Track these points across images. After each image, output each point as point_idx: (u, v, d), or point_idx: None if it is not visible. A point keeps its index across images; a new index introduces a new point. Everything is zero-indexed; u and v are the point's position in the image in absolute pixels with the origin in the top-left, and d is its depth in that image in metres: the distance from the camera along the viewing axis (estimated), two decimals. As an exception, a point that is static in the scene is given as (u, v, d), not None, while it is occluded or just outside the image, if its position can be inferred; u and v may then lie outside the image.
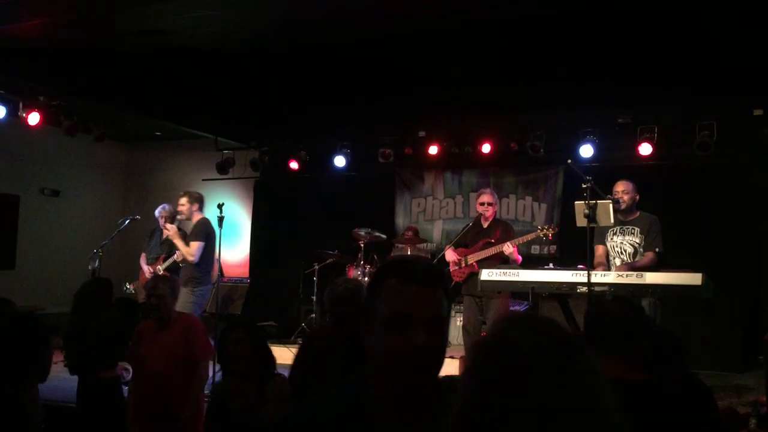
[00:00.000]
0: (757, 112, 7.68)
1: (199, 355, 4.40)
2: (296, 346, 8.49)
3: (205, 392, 4.54)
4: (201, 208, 7.41)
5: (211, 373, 5.04)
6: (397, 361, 1.49)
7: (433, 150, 9.30)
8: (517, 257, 6.88)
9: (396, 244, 8.97)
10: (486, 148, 9.00)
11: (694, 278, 5.26)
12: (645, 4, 7.10)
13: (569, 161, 6.53)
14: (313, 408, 1.60)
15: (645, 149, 8.02)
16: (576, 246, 6.28)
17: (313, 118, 9.57)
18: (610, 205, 5.61)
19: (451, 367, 5.62)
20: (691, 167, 8.29)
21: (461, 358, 7.14)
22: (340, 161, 9.76)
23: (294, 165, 10.05)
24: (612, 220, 5.70)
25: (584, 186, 5.50)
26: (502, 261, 6.87)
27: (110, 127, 9.66)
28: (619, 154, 8.53)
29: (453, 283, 7.31)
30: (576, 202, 5.76)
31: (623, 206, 5.90)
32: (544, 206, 9.27)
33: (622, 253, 6.01)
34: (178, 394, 4.20)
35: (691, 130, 7.84)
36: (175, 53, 8.06)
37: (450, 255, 7.24)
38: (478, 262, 6.90)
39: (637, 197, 6.10)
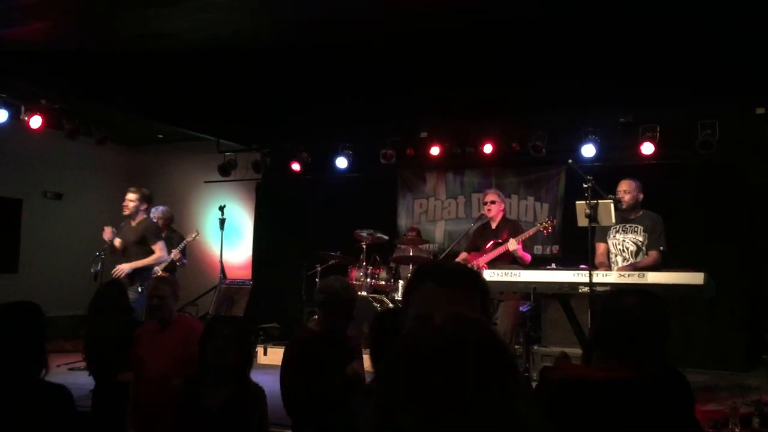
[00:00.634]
0: (760, 110, 7.68)
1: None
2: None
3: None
4: (148, 210, 7.18)
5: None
6: None
7: (434, 150, 9.30)
8: (523, 255, 6.87)
9: (398, 245, 8.97)
10: (488, 148, 9.00)
11: (696, 278, 5.24)
12: (646, 3, 7.10)
13: (570, 161, 6.53)
14: None
15: (647, 149, 8.01)
16: (579, 246, 6.26)
17: (315, 119, 9.58)
18: (611, 205, 5.61)
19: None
20: (693, 167, 8.26)
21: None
22: (341, 162, 9.76)
23: (296, 166, 10.06)
24: (613, 220, 5.70)
25: (585, 186, 5.50)
26: (511, 261, 6.86)
27: (112, 130, 9.69)
28: (621, 154, 8.52)
29: None
30: (577, 202, 5.76)
31: (624, 206, 5.90)
32: (546, 206, 9.26)
33: (624, 251, 6.01)
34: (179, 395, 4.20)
35: (693, 129, 7.83)
36: (176, 56, 8.08)
37: (463, 260, 7.27)
38: (488, 263, 6.91)
39: (641, 196, 6.09)
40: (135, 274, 6.82)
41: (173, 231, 8.42)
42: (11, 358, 2.61)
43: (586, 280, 5.49)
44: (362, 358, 4.21)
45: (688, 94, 7.73)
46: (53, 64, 7.69)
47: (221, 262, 8.66)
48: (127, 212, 7.02)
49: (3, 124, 8.34)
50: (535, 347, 7.68)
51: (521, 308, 7.14)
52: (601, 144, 8.30)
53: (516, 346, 7.27)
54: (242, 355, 3.52)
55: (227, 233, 8.49)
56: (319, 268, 9.06)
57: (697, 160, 7.96)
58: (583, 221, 5.62)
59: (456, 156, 9.30)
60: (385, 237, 8.84)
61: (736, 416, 4.71)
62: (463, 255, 7.32)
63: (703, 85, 7.52)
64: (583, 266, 5.91)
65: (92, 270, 7.44)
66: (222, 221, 8.01)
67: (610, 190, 5.99)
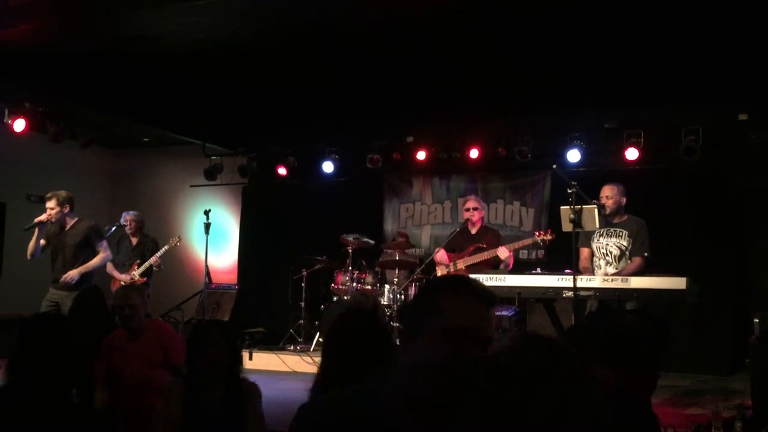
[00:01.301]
0: (742, 116, 7.74)
1: (177, 359, 4.32)
2: (285, 352, 8.53)
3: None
4: (72, 209, 7.06)
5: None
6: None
7: (421, 155, 9.31)
8: (511, 262, 6.96)
9: (384, 250, 8.97)
10: (474, 153, 9.02)
11: (678, 282, 5.28)
12: (631, 9, 7.14)
13: (555, 166, 6.58)
14: (343, 397, 1.63)
15: (631, 154, 8.06)
16: (564, 250, 6.30)
17: (301, 124, 9.57)
18: (596, 210, 5.64)
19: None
20: (677, 172, 8.32)
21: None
22: (328, 167, 9.75)
23: (282, 171, 10.04)
24: (597, 225, 5.74)
25: (569, 191, 5.53)
26: (492, 266, 6.92)
27: (97, 134, 9.63)
28: (606, 159, 8.57)
29: None
30: (561, 207, 5.79)
31: (608, 211, 5.95)
32: (531, 211, 9.29)
33: (607, 254, 6.05)
34: (159, 398, 4.17)
35: (677, 134, 7.88)
36: (162, 59, 8.04)
37: (441, 256, 7.30)
38: (468, 266, 6.95)
39: (624, 200, 6.13)
40: (83, 278, 6.88)
41: (145, 236, 8.43)
42: (41, 373, 2.52)
43: (570, 284, 5.52)
44: None
45: (672, 100, 7.78)
46: (37, 66, 7.64)
47: (206, 266, 8.62)
48: (54, 221, 6.91)
49: (-14, 127, 8.29)
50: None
51: (504, 312, 7.17)
52: (586, 149, 8.34)
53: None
54: (232, 356, 3.54)
55: (213, 238, 8.45)
56: (305, 273, 9.04)
57: (682, 165, 8.01)
58: (567, 226, 5.65)
59: (442, 161, 9.32)
60: (371, 241, 8.84)
61: (719, 420, 4.72)
62: (442, 251, 7.34)
63: (687, 91, 7.58)
64: (568, 271, 5.95)
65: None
66: (207, 226, 7.96)
67: (595, 195, 6.03)
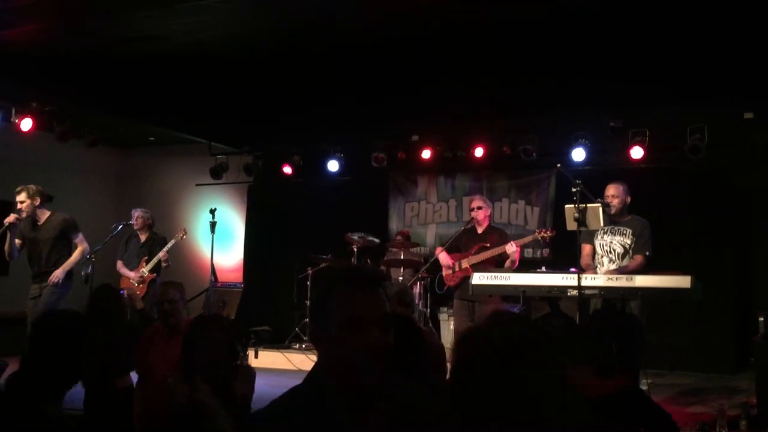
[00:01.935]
0: (748, 115, 7.72)
1: None
2: (291, 351, 8.56)
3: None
4: (44, 202, 6.99)
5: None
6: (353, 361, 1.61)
7: (426, 154, 9.32)
8: (517, 260, 6.96)
9: (389, 248, 8.99)
10: (479, 152, 9.03)
11: (683, 281, 5.28)
12: (636, 8, 7.13)
13: (559, 165, 6.58)
14: (284, 399, 1.74)
15: (636, 153, 8.05)
16: (569, 249, 6.31)
17: (307, 123, 9.58)
18: (600, 209, 5.64)
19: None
20: (682, 171, 8.31)
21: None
22: (333, 166, 9.78)
23: (287, 170, 10.07)
24: (602, 224, 5.74)
25: (574, 190, 5.53)
26: (496, 264, 6.92)
27: (103, 133, 9.65)
28: (611, 158, 8.56)
29: (446, 287, 7.36)
30: (566, 206, 5.80)
31: (613, 210, 5.95)
32: (536, 210, 9.29)
33: (611, 252, 6.05)
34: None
35: (682, 133, 7.87)
36: (167, 59, 8.07)
37: (444, 258, 7.30)
38: (473, 265, 6.96)
39: (629, 199, 6.14)
40: (68, 274, 6.93)
41: (154, 233, 8.43)
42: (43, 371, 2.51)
43: (575, 283, 5.52)
44: None
45: (677, 98, 7.76)
46: (44, 66, 7.67)
47: (212, 265, 8.65)
48: (25, 215, 6.84)
49: (-7, 126, 8.33)
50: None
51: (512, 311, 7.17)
52: (591, 148, 8.34)
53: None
54: (230, 351, 3.55)
55: (219, 236, 8.48)
56: (310, 271, 9.07)
57: (687, 164, 8.00)
58: (572, 225, 5.66)
59: (447, 160, 9.33)
60: (376, 240, 8.86)
61: (724, 418, 4.73)
62: (443, 253, 7.37)
63: (693, 89, 7.56)
64: (573, 269, 5.96)
65: (82, 273, 7.43)
66: (213, 224, 7.98)
67: (599, 194, 6.03)
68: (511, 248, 6.81)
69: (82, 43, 7.42)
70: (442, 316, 8.83)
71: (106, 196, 11.61)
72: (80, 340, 2.70)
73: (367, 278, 1.72)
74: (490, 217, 7.49)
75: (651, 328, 6.61)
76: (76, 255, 7.06)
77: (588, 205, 5.64)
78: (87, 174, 11.12)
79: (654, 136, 8.03)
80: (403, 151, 9.39)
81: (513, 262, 6.92)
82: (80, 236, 7.14)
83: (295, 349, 8.72)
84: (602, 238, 6.09)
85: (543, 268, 7.08)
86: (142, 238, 8.34)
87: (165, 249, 8.02)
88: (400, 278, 8.33)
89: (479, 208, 7.21)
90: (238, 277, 10.78)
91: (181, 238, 8.37)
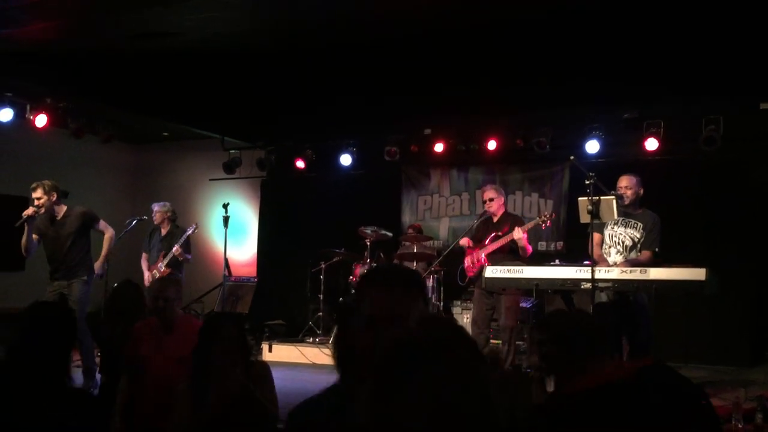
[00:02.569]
0: (764, 106, 7.66)
1: None
2: (304, 344, 8.59)
3: None
4: (60, 198, 6.93)
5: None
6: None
7: (439, 147, 9.31)
8: (527, 245, 6.93)
9: (402, 242, 8.99)
10: (492, 145, 9.01)
11: (697, 273, 5.25)
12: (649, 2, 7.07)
13: (572, 158, 6.55)
14: (320, 396, 1.85)
15: (651, 144, 8.00)
16: (583, 242, 6.27)
17: (319, 117, 9.59)
18: (614, 201, 5.61)
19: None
20: (697, 162, 8.25)
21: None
22: (346, 160, 9.78)
23: (300, 164, 10.09)
24: (615, 216, 5.71)
25: (587, 182, 5.50)
26: (510, 251, 6.92)
27: (117, 129, 9.72)
28: (625, 150, 8.50)
29: (467, 279, 7.37)
30: (579, 199, 5.77)
31: (627, 201, 5.91)
32: (550, 203, 9.25)
33: (619, 243, 6.02)
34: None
35: (697, 125, 7.81)
36: (180, 54, 8.09)
37: (465, 242, 7.35)
38: (488, 255, 6.97)
39: (642, 191, 6.10)
40: (91, 264, 6.95)
41: (176, 227, 8.42)
42: (42, 360, 2.55)
43: (588, 276, 5.50)
44: None
45: (692, 89, 7.70)
46: (58, 63, 7.72)
47: (225, 259, 8.69)
48: (42, 211, 6.76)
49: (8, 122, 8.38)
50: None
51: (524, 304, 7.17)
52: (605, 140, 8.30)
53: (519, 342, 7.29)
54: (244, 348, 3.58)
55: (232, 231, 8.53)
56: (323, 265, 9.09)
57: (702, 156, 7.94)
58: (585, 218, 5.63)
59: (460, 153, 9.31)
60: (389, 234, 8.86)
61: (739, 412, 4.71)
62: (463, 241, 7.39)
63: (708, 80, 7.49)
64: (587, 262, 5.94)
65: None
66: (225, 219, 8.02)
67: (613, 186, 5.99)
68: (518, 234, 6.81)
69: (96, 40, 7.45)
70: (456, 310, 8.83)
71: (120, 192, 11.69)
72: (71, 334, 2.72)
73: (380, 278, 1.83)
74: (505, 204, 7.47)
75: (664, 321, 6.56)
76: (107, 242, 7.06)
77: (601, 197, 5.61)
78: (102, 170, 11.19)
79: (669, 128, 7.97)
80: (415, 145, 9.38)
81: (523, 249, 6.91)
82: (102, 222, 7.10)
83: (309, 342, 8.75)
84: (612, 229, 6.06)
85: (556, 261, 7.07)
86: (163, 232, 8.35)
87: (177, 244, 7.99)
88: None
89: (491, 200, 7.22)
90: (251, 271, 10.83)
91: (194, 231, 8.37)
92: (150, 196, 10.53)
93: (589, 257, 5.89)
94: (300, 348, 8.51)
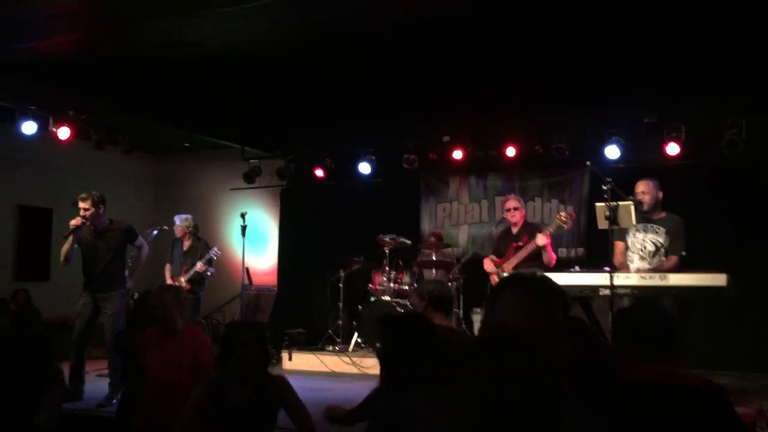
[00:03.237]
0: (787, 108, 7.55)
1: (207, 366, 4.31)
2: (324, 353, 8.60)
3: None
4: (105, 210, 6.99)
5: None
6: None
7: (457, 154, 9.30)
8: (551, 252, 6.87)
9: (421, 250, 8.98)
10: (510, 151, 8.99)
11: (718, 279, 5.18)
12: (669, 1, 7.01)
13: (588, 163, 6.51)
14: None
15: (672, 149, 7.92)
16: (604, 248, 6.23)
17: (338, 125, 9.63)
18: (632, 207, 5.58)
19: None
20: (719, 167, 8.15)
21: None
22: (365, 168, 9.81)
23: (319, 173, 10.13)
24: (634, 221, 5.66)
25: (604, 188, 5.47)
26: (534, 259, 6.87)
27: (138, 139, 9.83)
28: (645, 155, 8.43)
29: None
30: (597, 204, 5.74)
31: (645, 207, 5.86)
32: (570, 209, 9.15)
33: (642, 249, 5.96)
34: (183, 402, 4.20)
35: (719, 128, 7.72)
36: (200, 64, 8.17)
37: (488, 265, 7.27)
38: (514, 267, 6.92)
39: (661, 195, 6.04)
40: (124, 277, 7.09)
41: (198, 239, 8.45)
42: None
43: (607, 282, 5.45)
44: None
45: (713, 92, 7.62)
46: (80, 75, 7.83)
47: (244, 268, 8.73)
48: (89, 222, 6.78)
49: (33, 135, 8.53)
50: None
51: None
52: (625, 145, 8.24)
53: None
54: (263, 356, 3.61)
55: (253, 240, 8.58)
56: (342, 274, 9.10)
57: (724, 160, 7.85)
58: (603, 223, 5.60)
59: (479, 159, 9.30)
60: (408, 242, 8.86)
61: (764, 419, 4.62)
62: (487, 260, 7.32)
63: (729, 83, 7.41)
64: (607, 268, 5.89)
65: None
66: (243, 228, 8.06)
67: (633, 192, 5.94)
68: (542, 240, 6.76)
69: (115, 51, 7.55)
70: (476, 317, 8.80)
71: (142, 202, 11.81)
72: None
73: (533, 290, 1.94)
74: (525, 215, 7.46)
75: (687, 326, 6.48)
76: (141, 258, 7.22)
77: (620, 203, 5.56)
78: (124, 180, 11.32)
79: (690, 132, 7.90)
80: (434, 152, 9.38)
81: (548, 256, 6.85)
82: (140, 238, 7.22)
83: (329, 351, 8.75)
84: (634, 235, 6.00)
85: (576, 268, 7.02)
86: (185, 245, 8.36)
87: (201, 262, 7.99)
88: (433, 279, 8.31)
89: (515, 209, 7.20)
90: (272, 280, 10.87)
91: (215, 256, 8.24)
92: (171, 205, 10.64)
93: (610, 263, 5.84)
94: (320, 356, 8.52)
